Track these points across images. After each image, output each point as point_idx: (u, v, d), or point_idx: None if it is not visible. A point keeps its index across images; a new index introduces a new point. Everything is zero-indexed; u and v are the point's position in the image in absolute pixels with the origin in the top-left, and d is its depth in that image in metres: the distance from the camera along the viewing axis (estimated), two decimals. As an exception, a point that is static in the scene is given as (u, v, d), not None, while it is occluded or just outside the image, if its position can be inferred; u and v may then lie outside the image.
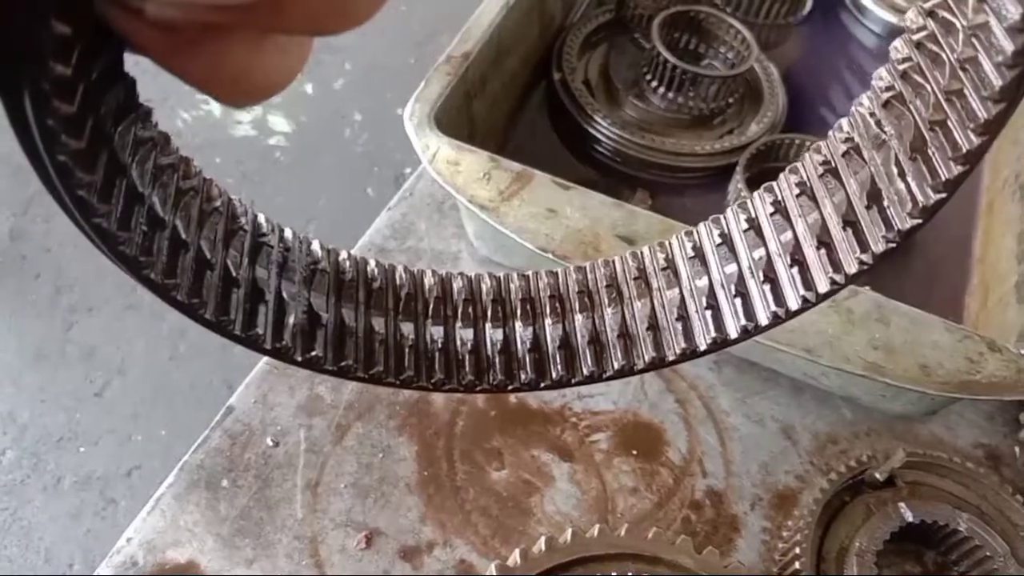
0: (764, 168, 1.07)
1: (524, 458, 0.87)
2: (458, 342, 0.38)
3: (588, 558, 0.75)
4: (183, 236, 0.28)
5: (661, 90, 1.10)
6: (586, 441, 0.89)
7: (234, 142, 2.57)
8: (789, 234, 0.35)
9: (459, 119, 0.93)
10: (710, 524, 0.85)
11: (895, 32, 1.33)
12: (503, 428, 0.89)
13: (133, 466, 1.92)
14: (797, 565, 0.78)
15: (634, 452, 0.88)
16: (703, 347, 0.37)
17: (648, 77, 1.10)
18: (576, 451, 0.88)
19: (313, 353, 0.33)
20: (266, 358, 0.84)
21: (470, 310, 0.38)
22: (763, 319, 0.36)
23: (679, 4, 1.16)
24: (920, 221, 0.31)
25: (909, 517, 0.82)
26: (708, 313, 0.37)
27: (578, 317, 0.39)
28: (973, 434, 0.94)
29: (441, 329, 0.38)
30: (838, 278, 0.33)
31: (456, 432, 0.88)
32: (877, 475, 0.85)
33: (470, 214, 0.89)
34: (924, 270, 1.04)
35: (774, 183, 0.36)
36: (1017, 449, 0.93)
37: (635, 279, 0.39)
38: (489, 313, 0.38)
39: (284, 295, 0.33)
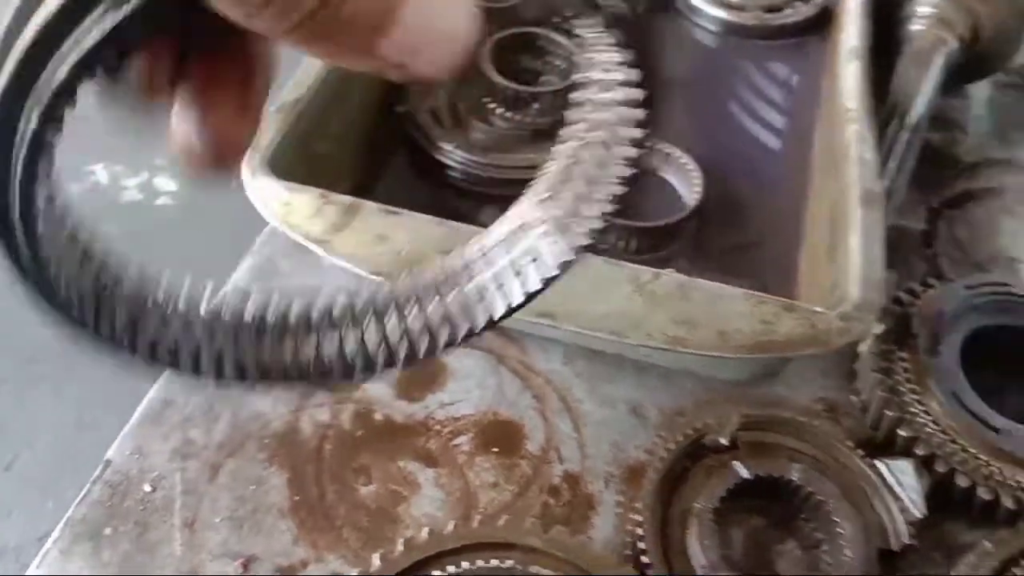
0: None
1: (391, 470, 0.92)
2: (328, 349, 0.50)
3: (444, 552, 0.80)
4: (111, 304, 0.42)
5: (501, 111, 1.17)
6: (449, 446, 0.94)
7: (121, 208, 2.64)
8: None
9: (296, 162, 0.98)
10: (568, 506, 0.91)
11: (730, 28, 1.42)
12: (369, 445, 0.94)
13: (46, 532, 1.96)
14: (639, 531, 0.84)
15: (495, 449, 0.94)
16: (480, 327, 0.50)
17: (487, 101, 1.17)
18: (440, 456, 0.94)
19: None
20: (140, 410, 0.90)
21: (328, 322, 0.51)
22: (517, 298, 0.49)
23: (513, 25, 1.23)
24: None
25: (744, 474, 0.88)
26: (483, 300, 0.50)
27: (413, 311, 0.52)
28: (812, 390, 1.02)
29: (315, 340, 0.50)
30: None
31: (324, 456, 0.93)
32: (720, 439, 0.91)
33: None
34: (760, 237, 1.11)
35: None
36: (853, 397, 1.00)
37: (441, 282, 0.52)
38: (346, 321, 0.51)
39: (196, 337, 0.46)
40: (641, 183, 1.15)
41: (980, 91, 1.43)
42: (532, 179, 1.15)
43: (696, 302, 0.82)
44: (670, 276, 0.83)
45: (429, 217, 0.89)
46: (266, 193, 0.90)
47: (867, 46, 1.16)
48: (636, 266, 0.84)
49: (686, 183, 1.11)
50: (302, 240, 0.89)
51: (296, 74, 1.04)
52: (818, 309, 0.82)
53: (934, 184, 1.25)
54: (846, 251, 0.86)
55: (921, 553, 0.90)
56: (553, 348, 1.02)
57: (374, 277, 0.86)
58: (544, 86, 1.18)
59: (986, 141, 1.34)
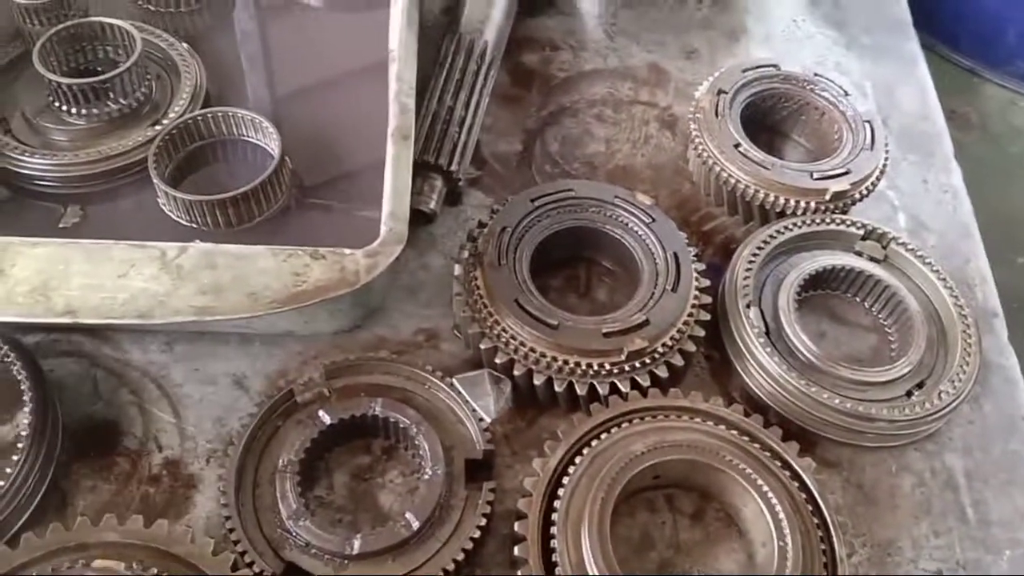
0: (193, 150, 1.13)
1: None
2: None
3: (29, 562, 0.79)
4: None
5: (72, 108, 1.12)
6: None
7: None
8: None
9: None
10: (169, 492, 0.91)
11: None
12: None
13: None
14: (223, 500, 0.85)
15: (91, 453, 0.93)
16: None
17: (53, 100, 1.12)
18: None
19: None
20: None
21: None
22: None
23: (75, 16, 1.18)
24: None
25: (328, 420, 0.91)
26: None
27: None
28: (413, 324, 1.06)
29: None
30: None
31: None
32: (306, 393, 0.94)
33: None
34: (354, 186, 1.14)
35: None
36: (451, 321, 1.05)
37: None
38: None
39: None
40: (233, 153, 1.14)
41: (589, 6, 1.50)
42: (114, 170, 1.12)
43: (223, 268, 0.83)
44: (196, 247, 0.84)
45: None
46: None
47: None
48: (163, 244, 0.84)
49: (273, 145, 1.11)
50: None
51: None
52: (347, 251, 0.85)
53: (528, 104, 1.31)
54: (382, 187, 0.89)
55: (519, 454, 0.97)
56: (151, 338, 1.01)
57: None
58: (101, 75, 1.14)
59: (584, 56, 1.41)
